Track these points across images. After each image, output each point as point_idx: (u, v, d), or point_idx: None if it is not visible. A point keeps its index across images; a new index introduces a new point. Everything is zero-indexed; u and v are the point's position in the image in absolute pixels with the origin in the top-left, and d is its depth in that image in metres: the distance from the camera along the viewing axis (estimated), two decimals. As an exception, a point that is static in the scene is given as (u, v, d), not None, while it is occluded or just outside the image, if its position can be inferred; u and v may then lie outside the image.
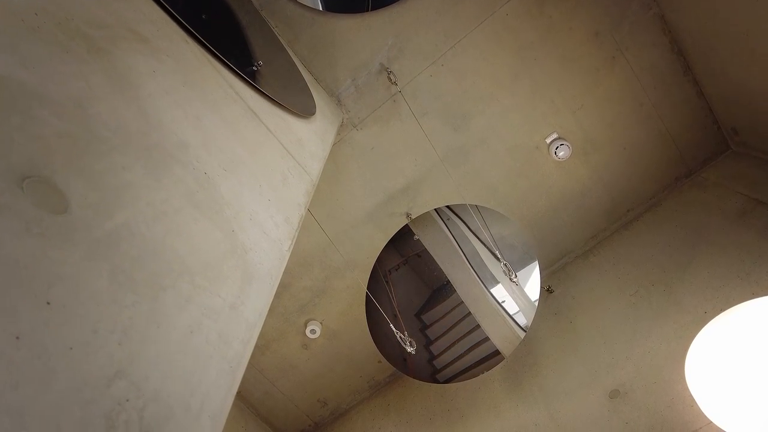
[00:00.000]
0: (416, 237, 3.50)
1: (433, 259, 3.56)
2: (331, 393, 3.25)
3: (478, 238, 3.54)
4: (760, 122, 2.23)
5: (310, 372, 3.18)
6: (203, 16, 1.57)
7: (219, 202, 0.96)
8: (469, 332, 3.54)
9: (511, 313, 3.28)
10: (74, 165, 0.66)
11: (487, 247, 3.50)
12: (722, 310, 1.84)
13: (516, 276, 2.52)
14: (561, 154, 2.66)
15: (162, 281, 0.70)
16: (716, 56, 2.19)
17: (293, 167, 1.45)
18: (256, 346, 3.07)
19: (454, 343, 3.58)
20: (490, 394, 2.59)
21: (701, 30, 2.16)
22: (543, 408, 2.26)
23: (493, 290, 3.44)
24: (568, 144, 2.65)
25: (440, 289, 4.10)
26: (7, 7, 0.71)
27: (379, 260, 3.03)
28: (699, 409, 1.73)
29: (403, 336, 2.43)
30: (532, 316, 2.84)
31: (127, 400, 0.56)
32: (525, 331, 2.90)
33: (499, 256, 2.64)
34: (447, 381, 3.05)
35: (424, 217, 3.12)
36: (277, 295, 2.97)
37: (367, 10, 2.46)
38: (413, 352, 2.40)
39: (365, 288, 2.98)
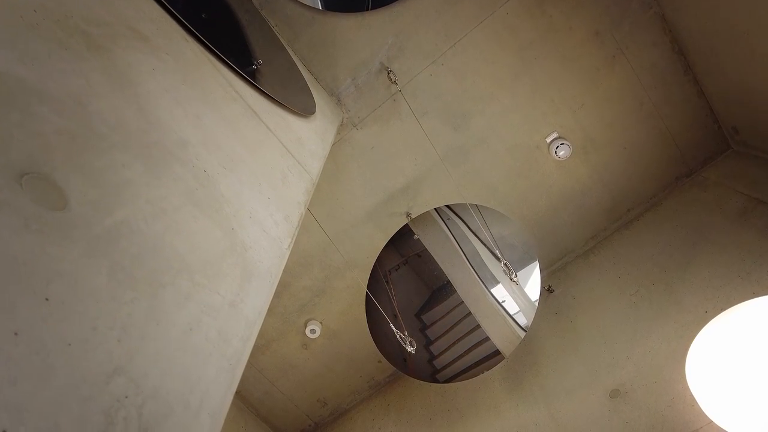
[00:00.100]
0: (416, 236, 3.50)
1: (433, 259, 3.56)
2: (331, 393, 3.25)
3: (479, 237, 3.54)
4: (761, 121, 2.23)
5: (309, 372, 3.17)
6: (203, 15, 1.57)
7: (219, 200, 0.96)
8: (470, 332, 3.54)
9: (511, 313, 3.28)
10: (73, 162, 0.66)
11: (488, 247, 3.50)
12: (723, 309, 1.84)
13: (516, 275, 2.52)
14: (561, 153, 2.65)
15: (161, 278, 0.70)
16: (717, 55, 2.18)
17: (293, 166, 1.45)
18: (256, 346, 3.06)
19: (454, 343, 3.57)
20: (490, 393, 2.59)
21: (702, 29, 2.16)
22: (543, 408, 2.26)
23: (493, 290, 3.43)
24: (568, 143, 2.65)
25: (440, 289, 4.10)
26: (6, 4, 0.70)
27: (379, 260, 3.03)
28: (700, 408, 1.72)
29: (403, 336, 2.42)
30: (532, 315, 2.84)
31: (126, 397, 0.55)
32: (525, 330, 2.90)
33: (499, 255, 2.64)
34: (447, 381, 3.05)
35: (424, 217, 3.12)
36: (277, 295, 2.96)
37: (367, 9, 2.46)
38: (413, 352, 2.40)
39: (365, 288, 2.98)
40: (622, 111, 2.59)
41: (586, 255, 2.89)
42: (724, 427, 1.62)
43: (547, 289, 2.89)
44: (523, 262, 3.30)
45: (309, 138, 1.76)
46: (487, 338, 3.25)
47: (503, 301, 3.34)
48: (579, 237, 2.93)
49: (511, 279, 2.55)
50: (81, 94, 0.75)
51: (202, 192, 0.92)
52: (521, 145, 2.72)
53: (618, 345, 2.21)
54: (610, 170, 2.74)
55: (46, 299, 0.53)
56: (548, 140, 2.68)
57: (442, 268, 3.55)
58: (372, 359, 3.16)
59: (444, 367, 3.46)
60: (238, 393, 3.14)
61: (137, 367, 0.59)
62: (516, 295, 3.36)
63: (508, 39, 2.47)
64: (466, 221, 3.55)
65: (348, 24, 2.48)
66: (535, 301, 2.94)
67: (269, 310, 2.97)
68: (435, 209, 3.30)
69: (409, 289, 4.15)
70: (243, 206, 1.04)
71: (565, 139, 2.66)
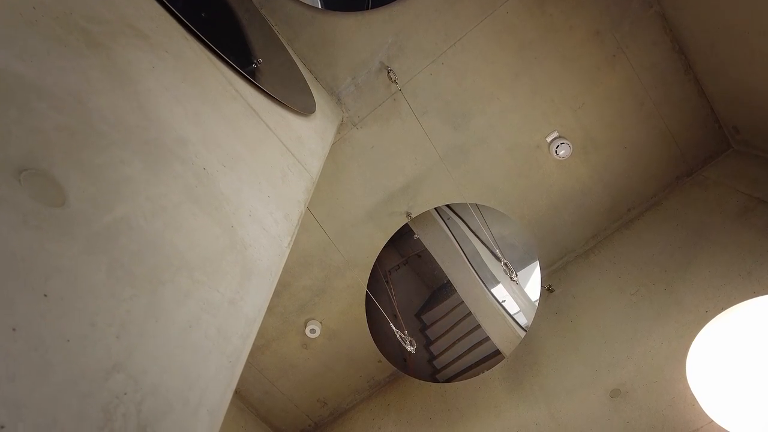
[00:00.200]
0: (416, 236, 3.50)
1: (434, 259, 3.56)
2: (331, 393, 3.24)
3: (479, 237, 3.53)
4: (761, 121, 2.23)
5: (309, 372, 3.17)
6: (203, 15, 1.57)
7: (218, 197, 0.96)
8: (470, 332, 3.53)
9: (511, 313, 3.28)
10: (72, 158, 0.66)
11: (488, 247, 3.50)
12: (723, 308, 1.83)
13: (516, 275, 2.52)
14: (561, 153, 2.65)
15: (161, 275, 0.70)
16: (717, 55, 2.18)
17: (293, 164, 1.44)
18: (256, 346, 3.06)
19: (454, 343, 3.57)
20: (490, 393, 2.59)
21: (702, 28, 2.16)
22: (544, 407, 2.26)
23: (493, 290, 3.43)
24: (568, 143, 2.65)
25: (440, 289, 4.10)
26: (5, 1, 0.70)
27: (379, 260, 3.03)
28: (700, 408, 1.72)
29: (403, 335, 2.42)
30: (532, 315, 2.84)
31: (125, 394, 0.55)
32: (525, 330, 2.89)
33: (499, 255, 2.64)
34: (447, 381, 3.05)
35: (424, 217, 3.12)
36: (277, 295, 2.96)
37: (367, 9, 2.46)
38: (413, 351, 2.39)
39: (365, 287, 2.98)
40: (623, 110, 2.59)
41: (587, 255, 2.89)
42: (724, 427, 1.62)
43: (547, 289, 2.88)
44: (523, 262, 3.30)
45: (309, 137, 1.76)
46: (488, 338, 3.25)
47: (503, 301, 3.34)
48: (579, 236, 2.93)
49: (511, 279, 2.55)
50: (80, 91, 0.75)
51: (202, 189, 0.92)
52: (521, 145, 2.71)
53: (618, 344, 2.21)
54: (610, 170, 2.74)
55: (45, 295, 0.52)
56: (548, 140, 2.68)
57: (442, 267, 3.54)
58: (372, 359, 3.16)
59: (444, 367, 3.46)
60: (237, 393, 3.13)
61: (136, 363, 0.59)
62: (516, 294, 3.35)
63: (508, 38, 2.46)
64: (466, 221, 3.55)
65: (348, 23, 2.48)
66: (536, 301, 2.93)
67: (269, 309, 2.97)
68: (435, 209, 3.31)
69: (409, 289, 4.15)
70: (243, 204, 1.03)
71: (566, 139, 2.65)
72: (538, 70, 2.52)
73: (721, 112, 2.52)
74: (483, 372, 2.75)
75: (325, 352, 3.14)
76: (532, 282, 3.19)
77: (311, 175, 1.56)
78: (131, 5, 1.06)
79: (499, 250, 2.70)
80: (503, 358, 2.80)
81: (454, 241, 3.47)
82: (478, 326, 3.39)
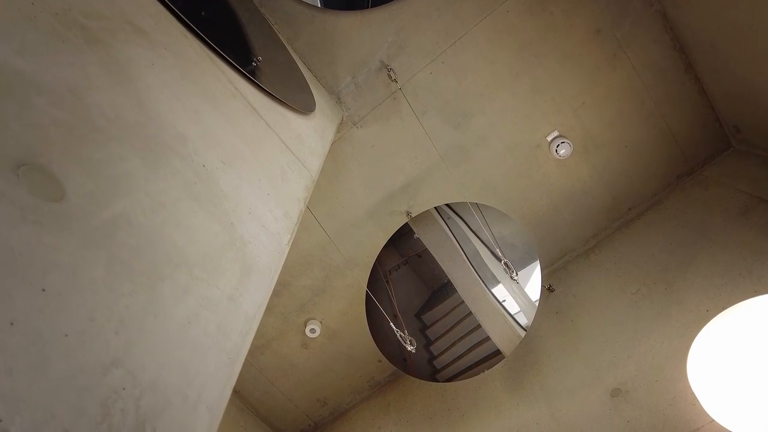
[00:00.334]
0: (416, 236, 3.49)
1: (434, 259, 3.55)
2: (331, 392, 3.24)
3: (479, 237, 3.53)
4: (762, 120, 2.22)
5: (309, 371, 3.17)
6: (202, 13, 1.57)
7: (218, 194, 0.96)
8: (470, 332, 3.53)
9: (511, 313, 3.27)
10: (71, 154, 0.66)
11: (488, 247, 3.50)
12: (724, 308, 1.83)
13: (517, 275, 2.51)
14: (562, 152, 2.65)
15: (160, 271, 0.69)
16: (718, 54, 2.18)
17: (292, 162, 1.44)
18: (256, 346, 3.06)
19: (454, 343, 3.56)
20: (490, 393, 2.58)
21: (703, 27, 2.16)
22: (544, 407, 2.25)
23: (493, 289, 3.43)
24: (569, 142, 2.64)
25: (440, 289, 4.09)
26: (5, -4, 0.70)
27: (379, 260, 3.03)
28: (701, 407, 1.72)
29: (403, 335, 2.42)
30: (533, 315, 2.83)
31: (124, 389, 0.55)
32: (526, 330, 2.89)
33: (499, 254, 2.64)
34: (447, 380, 3.04)
35: (424, 216, 3.12)
36: (277, 294, 2.96)
37: (367, 7, 2.46)
38: (413, 351, 2.39)
39: (365, 287, 2.97)
40: (623, 109, 2.59)
41: (587, 254, 2.89)
42: (725, 426, 1.61)
43: (547, 289, 2.88)
44: (523, 262, 3.29)
45: (309, 135, 1.76)
46: (488, 338, 3.25)
47: (504, 301, 3.34)
48: (580, 236, 2.92)
49: (511, 278, 2.54)
50: (79, 87, 0.75)
51: (201, 186, 0.91)
52: (522, 144, 2.71)
53: (619, 344, 2.20)
54: (610, 169, 2.74)
55: (43, 290, 0.52)
56: (549, 139, 2.67)
57: (442, 267, 3.54)
58: (372, 359, 3.15)
59: (444, 367, 3.45)
60: (237, 392, 3.13)
61: (135, 359, 0.58)
62: (516, 294, 3.35)
63: (508, 37, 2.46)
64: (466, 220, 3.55)
65: (348, 22, 2.48)
66: (536, 301, 2.93)
67: (269, 309, 2.97)
68: (435, 208, 3.30)
69: (409, 289, 4.15)
70: (242, 201, 1.03)
71: (566, 138, 2.65)
72: (538, 69, 2.52)
73: (722, 111, 2.51)
74: (483, 372, 2.75)
75: (325, 352, 3.14)
76: (533, 281, 3.19)
77: (311, 173, 1.56)
78: (130, 2, 1.06)
79: (500, 250, 2.70)
80: (503, 357, 2.80)
81: (455, 240, 3.47)
82: (479, 326, 3.39)
